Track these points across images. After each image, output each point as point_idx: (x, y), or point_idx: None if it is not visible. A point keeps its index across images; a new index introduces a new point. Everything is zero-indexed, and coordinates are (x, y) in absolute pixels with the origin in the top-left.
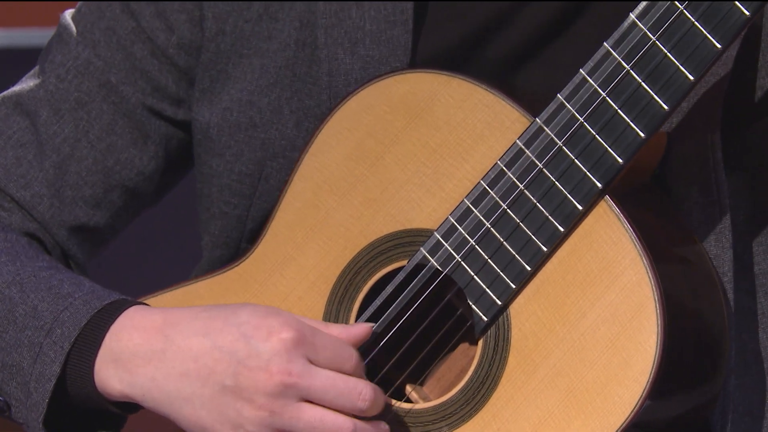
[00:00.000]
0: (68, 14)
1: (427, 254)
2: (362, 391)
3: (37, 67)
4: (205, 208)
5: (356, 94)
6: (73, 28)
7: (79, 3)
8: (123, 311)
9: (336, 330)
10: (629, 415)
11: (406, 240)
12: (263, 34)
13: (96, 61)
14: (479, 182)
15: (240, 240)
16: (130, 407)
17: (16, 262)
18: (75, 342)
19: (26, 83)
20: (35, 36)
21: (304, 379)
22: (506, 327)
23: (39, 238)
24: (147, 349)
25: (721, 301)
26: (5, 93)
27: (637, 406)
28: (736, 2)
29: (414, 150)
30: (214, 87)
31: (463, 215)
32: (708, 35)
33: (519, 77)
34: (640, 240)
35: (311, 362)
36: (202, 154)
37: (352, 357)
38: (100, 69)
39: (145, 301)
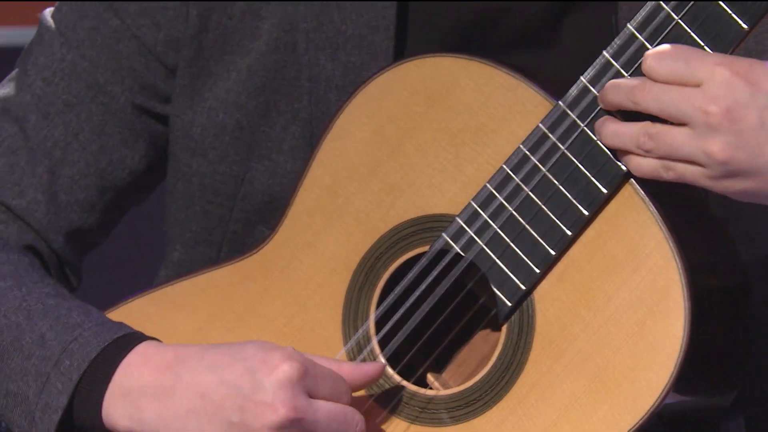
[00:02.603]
0: (48, 14)
1: (449, 240)
2: (357, 421)
3: (17, 70)
4: (183, 206)
5: (375, 79)
6: (55, 29)
7: (59, 2)
8: (134, 346)
9: (347, 368)
10: (657, 399)
11: (427, 225)
12: (247, 32)
13: (82, 62)
14: (501, 166)
15: (222, 240)
16: None
17: (21, 287)
18: (83, 374)
19: (9, 87)
20: (13, 35)
21: (308, 414)
22: (530, 312)
23: (37, 250)
24: (157, 386)
25: (745, 286)
26: None
27: (665, 391)
28: (734, 15)
29: (434, 135)
30: (195, 84)
31: (486, 200)
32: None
33: None
34: (666, 223)
35: (312, 395)
36: (178, 152)
37: (347, 391)
38: (87, 70)
39: (165, 288)
